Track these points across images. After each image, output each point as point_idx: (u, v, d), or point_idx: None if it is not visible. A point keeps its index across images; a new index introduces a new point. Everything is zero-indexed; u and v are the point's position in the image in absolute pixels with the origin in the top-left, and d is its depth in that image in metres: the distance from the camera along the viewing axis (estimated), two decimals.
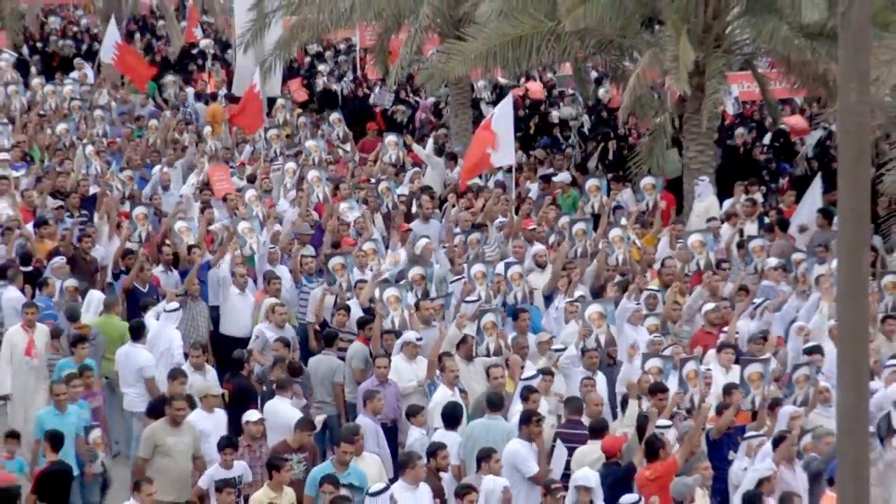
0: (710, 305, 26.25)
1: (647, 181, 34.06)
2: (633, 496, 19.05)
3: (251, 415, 21.21)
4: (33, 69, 51.40)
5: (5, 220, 31.06)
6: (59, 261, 28.30)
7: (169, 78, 48.42)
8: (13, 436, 21.12)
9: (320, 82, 49.28)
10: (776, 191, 36.78)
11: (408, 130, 43.12)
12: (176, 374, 22.64)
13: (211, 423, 21.59)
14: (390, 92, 46.11)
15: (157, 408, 21.91)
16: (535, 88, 48.55)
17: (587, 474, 19.17)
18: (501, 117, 32.17)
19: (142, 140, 39.50)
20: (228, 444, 20.06)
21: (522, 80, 47.70)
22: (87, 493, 21.43)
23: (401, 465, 19.75)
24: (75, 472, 20.90)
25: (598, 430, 21.11)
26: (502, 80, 47.04)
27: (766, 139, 40.18)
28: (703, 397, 22.32)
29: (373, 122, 41.16)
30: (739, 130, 39.47)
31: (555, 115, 44.40)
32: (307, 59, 53.18)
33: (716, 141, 38.12)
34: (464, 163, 33.23)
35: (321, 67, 50.77)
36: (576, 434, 21.34)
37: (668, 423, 21.08)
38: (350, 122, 42.70)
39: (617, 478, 20.13)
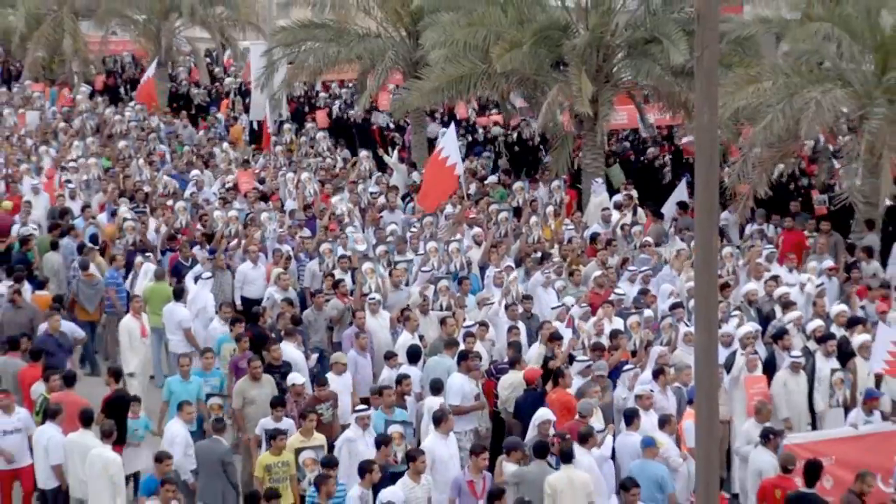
0: (598, 272, 26.24)
1: (555, 183, 34.04)
2: (546, 411, 19.05)
3: (296, 378, 20.48)
4: (99, 99, 51.15)
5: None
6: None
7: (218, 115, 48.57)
8: (136, 400, 20.36)
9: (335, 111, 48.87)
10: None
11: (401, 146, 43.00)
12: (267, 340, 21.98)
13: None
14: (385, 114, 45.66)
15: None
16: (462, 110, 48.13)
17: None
18: (449, 145, 31.60)
19: (184, 153, 39.54)
20: (278, 403, 19.17)
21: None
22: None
23: (435, 420, 18.79)
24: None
25: (516, 361, 21.30)
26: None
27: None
28: (644, 341, 22.36)
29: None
30: (651, 149, 39.46)
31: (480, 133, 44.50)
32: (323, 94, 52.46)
33: (635, 155, 38.37)
34: (426, 190, 31.87)
35: (336, 102, 50.41)
36: (501, 367, 21.53)
37: (586, 359, 21.19)
38: (360, 142, 42.74)
39: (534, 398, 20.20)
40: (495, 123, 44.77)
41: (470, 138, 43.15)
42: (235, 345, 22.33)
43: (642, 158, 38.78)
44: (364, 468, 17.21)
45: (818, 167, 34.43)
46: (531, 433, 18.86)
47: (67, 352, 23.07)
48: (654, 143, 40.44)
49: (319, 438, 18.43)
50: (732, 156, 29.94)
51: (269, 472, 17.75)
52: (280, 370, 21.29)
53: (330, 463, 17.38)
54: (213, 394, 20.69)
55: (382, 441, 18.11)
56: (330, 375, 20.77)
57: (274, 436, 18.20)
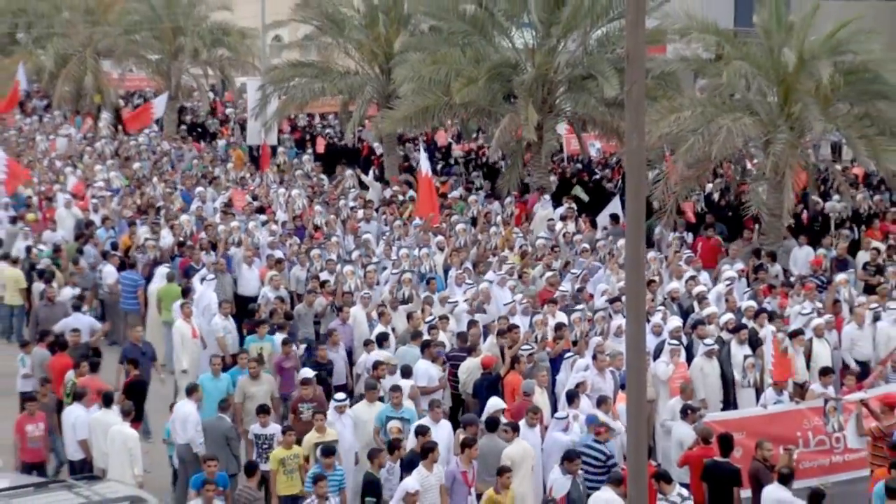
0: (548, 273, 26.30)
1: (508, 199, 34.24)
2: (498, 400, 18.90)
3: (306, 372, 20.14)
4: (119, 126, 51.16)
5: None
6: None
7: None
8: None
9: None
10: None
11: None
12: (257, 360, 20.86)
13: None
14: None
15: None
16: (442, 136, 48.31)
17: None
18: (423, 164, 32.03)
19: (191, 173, 39.44)
20: (262, 411, 18.54)
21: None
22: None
23: (430, 407, 18.57)
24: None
25: (473, 348, 21.31)
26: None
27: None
28: (583, 333, 22.36)
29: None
30: (605, 171, 39.49)
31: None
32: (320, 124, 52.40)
33: (588, 175, 38.43)
34: (422, 200, 31.78)
35: (328, 130, 50.25)
36: (460, 355, 21.42)
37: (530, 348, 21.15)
38: (349, 163, 42.63)
39: (490, 382, 20.21)
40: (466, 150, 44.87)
41: (443, 162, 43.13)
42: (262, 344, 21.91)
43: (594, 178, 38.76)
44: (394, 446, 17.31)
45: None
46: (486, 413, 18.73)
47: (151, 359, 22.46)
48: (606, 166, 40.52)
49: (332, 434, 18.01)
50: (669, 173, 29.86)
51: (282, 465, 17.58)
52: (326, 367, 21.21)
53: (328, 451, 17.04)
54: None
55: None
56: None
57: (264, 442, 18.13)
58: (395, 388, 19.02)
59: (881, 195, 33.03)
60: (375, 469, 17.03)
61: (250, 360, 20.43)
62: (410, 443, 17.70)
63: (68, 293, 25.80)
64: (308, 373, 20.09)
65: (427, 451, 16.80)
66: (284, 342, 21.78)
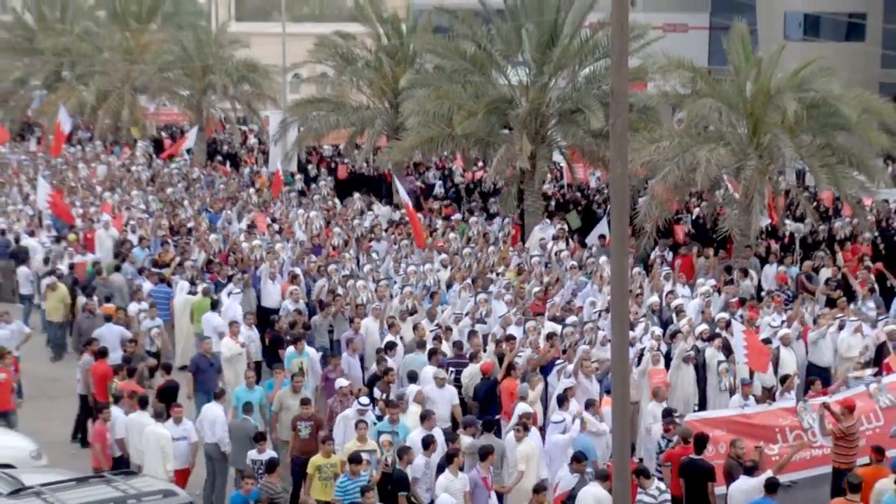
0: (537, 288, 26.39)
1: (507, 220, 34.28)
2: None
3: (342, 382, 19.88)
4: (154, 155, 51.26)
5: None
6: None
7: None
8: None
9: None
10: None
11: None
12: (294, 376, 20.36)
13: None
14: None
15: None
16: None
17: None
18: (402, 194, 32.30)
19: (219, 197, 39.51)
20: (260, 438, 18.05)
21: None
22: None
23: (421, 418, 18.22)
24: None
25: (475, 355, 21.34)
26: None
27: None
28: (573, 343, 22.10)
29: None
30: (596, 197, 39.38)
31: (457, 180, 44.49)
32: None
33: (586, 200, 38.36)
34: (417, 234, 31.54)
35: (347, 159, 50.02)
36: (460, 362, 21.44)
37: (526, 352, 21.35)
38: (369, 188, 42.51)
39: (488, 386, 20.27)
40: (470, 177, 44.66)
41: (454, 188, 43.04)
42: (302, 359, 21.65)
43: (588, 203, 38.58)
44: (428, 442, 17.24)
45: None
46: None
47: (218, 370, 22.22)
48: (601, 192, 40.44)
49: (372, 444, 17.72)
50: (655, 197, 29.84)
51: (319, 471, 17.35)
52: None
53: (356, 459, 16.78)
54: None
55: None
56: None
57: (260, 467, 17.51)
58: (393, 405, 18.73)
59: (841, 220, 32.99)
60: (404, 465, 16.97)
61: (295, 375, 20.13)
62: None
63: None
64: (343, 382, 19.87)
65: (451, 456, 16.70)
66: (329, 356, 21.65)
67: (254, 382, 20.34)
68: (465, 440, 17.81)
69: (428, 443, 17.26)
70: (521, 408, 18.55)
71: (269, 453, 17.82)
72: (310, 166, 46.92)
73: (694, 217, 34.30)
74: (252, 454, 17.87)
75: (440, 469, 16.88)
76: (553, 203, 37.85)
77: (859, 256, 29.40)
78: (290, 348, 22.15)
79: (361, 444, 17.52)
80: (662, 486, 16.46)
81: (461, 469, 16.79)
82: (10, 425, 20.86)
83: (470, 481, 16.69)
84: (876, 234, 31.60)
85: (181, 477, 18.23)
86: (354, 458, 16.69)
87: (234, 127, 54.89)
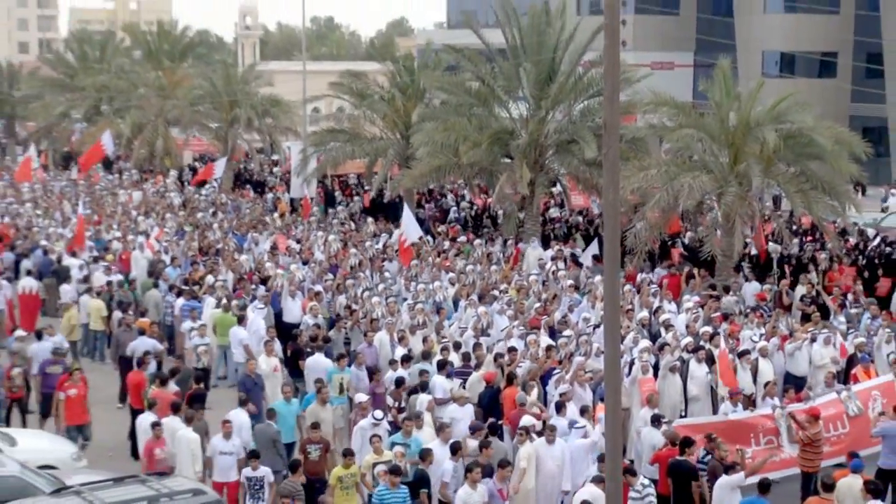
0: (537, 304, 26.45)
1: (508, 242, 34.31)
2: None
3: (361, 397, 19.43)
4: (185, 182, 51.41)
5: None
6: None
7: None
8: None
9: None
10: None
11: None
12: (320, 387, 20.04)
13: None
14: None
15: None
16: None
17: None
18: (407, 222, 31.94)
19: (245, 220, 39.54)
20: (253, 455, 17.40)
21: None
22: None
23: (437, 430, 18.04)
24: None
25: (479, 365, 21.37)
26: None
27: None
28: (568, 353, 22.03)
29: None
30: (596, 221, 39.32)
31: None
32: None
33: (589, 225, 38.18)
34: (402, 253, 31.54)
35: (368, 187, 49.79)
36: (465, 371, 21.38)
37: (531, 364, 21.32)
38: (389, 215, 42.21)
39: (491, 394, 20.20)
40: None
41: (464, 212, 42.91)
42: (343, 375, 21.38)
43: (588, 227, 38.48)
44: (455, 448, 17.12)
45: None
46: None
47: (262, 388, 21.58)
48: (600, 217, 40.28)
49: (388, 455, 17.21)
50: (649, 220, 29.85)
51: (340, 482, 16.91)
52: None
53: (396, 471, 16.45)
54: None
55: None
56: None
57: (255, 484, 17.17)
58: (408, 419, 18.48)
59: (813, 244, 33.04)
60: (426, 466, 16.87)
61: (323, 388, 19.84)
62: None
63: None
64: (362, 397, 19.58)
65: (467, 470, 16.32)
66: (374, 372, 21.35)
67: (291, 396, 20.01)
68: (472, 443, 17.74)
69: (456, 449, 17.15)
70: (526, 420, 18.45)
71: (264, 470, 17.30)
72: (336, 193, 46.90)
73: (687, 240, 34.29)
74: (247, 472, 17.36)
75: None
76: (557, 226, 37.81)
77: (854, 277, 29.54)
78: (332, 364, 21.89)
79: (378, 456, 17.21)
80: (646, 481, 16.46)
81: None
82: (86, 438, 20.66)
83: (486, 492, 16.35)
84: (858, 256, 31.66)
85: (232, 490, 17.68)
86: (394, 470, 16.32)
87: (256, 156, 54.96)
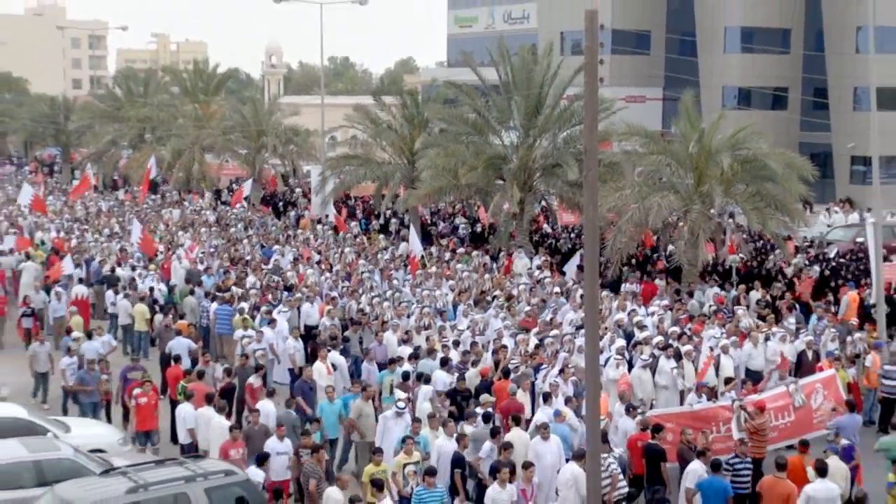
0: (528, 307, 26.47)
1: (501, 253, 34.38)
2: (490, 397, 18.88)
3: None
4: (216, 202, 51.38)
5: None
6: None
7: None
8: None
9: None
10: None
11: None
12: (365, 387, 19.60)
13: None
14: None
15: None
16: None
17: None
18: (412, 239, 32.13)
19: (271, 236, 39.46)
20: (265, 459, 16.60)
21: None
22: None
23: (442, 425, 17.40)
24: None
25: (476, 362, 21.32)
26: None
27: None
28: (554, 352, 21.88)
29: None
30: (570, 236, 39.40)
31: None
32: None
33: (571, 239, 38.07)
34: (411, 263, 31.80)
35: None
36: (464, 367, 21.23)
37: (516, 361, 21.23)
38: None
39: (486, 385, 20.12)
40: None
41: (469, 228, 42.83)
42: (392, 376, 20.81)
43: (577, 242, 38.21)
44: (495, 432, 16.85)
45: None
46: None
47: (314, 391, 20.62)
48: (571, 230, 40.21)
49: (416, 456, 16.42)
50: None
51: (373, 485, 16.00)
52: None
53: (432, 472, 15.54)
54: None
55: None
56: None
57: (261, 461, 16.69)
58: (417, 420, 17.68)
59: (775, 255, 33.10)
60: (461, 448, 16.66)
61: (366, 387, 19.48)
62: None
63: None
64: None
65: (494, 470, 15.59)
66: (419, 376, 20.46)
67: (333, 396, 19.66)
68: (468, 429, 17.69)
69: (495, 433, 16.84)
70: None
71: (259, 473, 16.55)
72: (357, 212, 46.82)
73: (668, 253, 34.21)
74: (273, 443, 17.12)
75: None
76: (549, 241, 37.77)
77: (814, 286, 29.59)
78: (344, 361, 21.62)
79: (408, 457, 16.39)
80: (614, 456, 16.24)
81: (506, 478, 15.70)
82: (153, 443, 20.15)
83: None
84: (817, 267, 31.72)
85: (285, 487, 17.17)
86: (430, 472, 15.43)
87: (278, 176, 54.99)
